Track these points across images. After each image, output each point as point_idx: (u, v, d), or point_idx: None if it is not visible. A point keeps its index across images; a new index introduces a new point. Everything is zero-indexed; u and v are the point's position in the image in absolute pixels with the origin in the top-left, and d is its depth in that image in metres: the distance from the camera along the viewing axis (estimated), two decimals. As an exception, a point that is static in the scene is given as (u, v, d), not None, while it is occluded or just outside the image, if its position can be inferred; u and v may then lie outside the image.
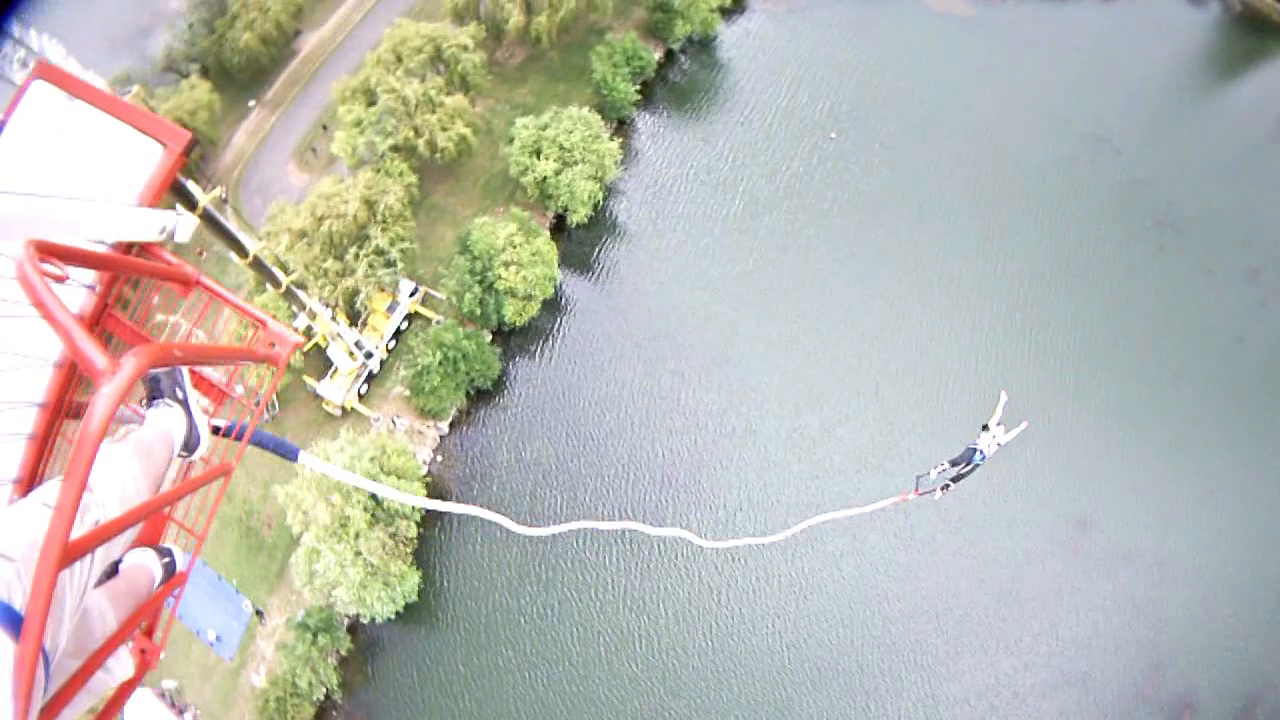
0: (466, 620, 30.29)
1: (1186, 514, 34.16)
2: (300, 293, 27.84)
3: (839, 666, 29.88)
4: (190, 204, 19.48)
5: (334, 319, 31.54)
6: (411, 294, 33.06)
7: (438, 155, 33.68)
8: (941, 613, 30.98)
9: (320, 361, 32.32)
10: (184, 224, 4.39)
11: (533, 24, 36.88)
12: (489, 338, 32.35)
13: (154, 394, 4.09)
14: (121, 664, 3.32)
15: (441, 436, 32.08)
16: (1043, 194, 38.41)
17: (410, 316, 33.26)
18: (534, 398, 32.70)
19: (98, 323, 4.37)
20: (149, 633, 4.28)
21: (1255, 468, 35.10)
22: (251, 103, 39.13)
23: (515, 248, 30.75)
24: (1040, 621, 31.65)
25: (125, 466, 3.21)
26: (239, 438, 4.39)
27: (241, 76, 38.90)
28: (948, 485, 15.41)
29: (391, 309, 32.89)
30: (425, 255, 33.32)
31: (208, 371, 4.57)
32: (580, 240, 34.77)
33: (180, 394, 4.13)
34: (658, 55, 39.60)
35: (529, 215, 32.53)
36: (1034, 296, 35.85)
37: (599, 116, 34.45)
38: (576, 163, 32.16)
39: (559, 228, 34.39)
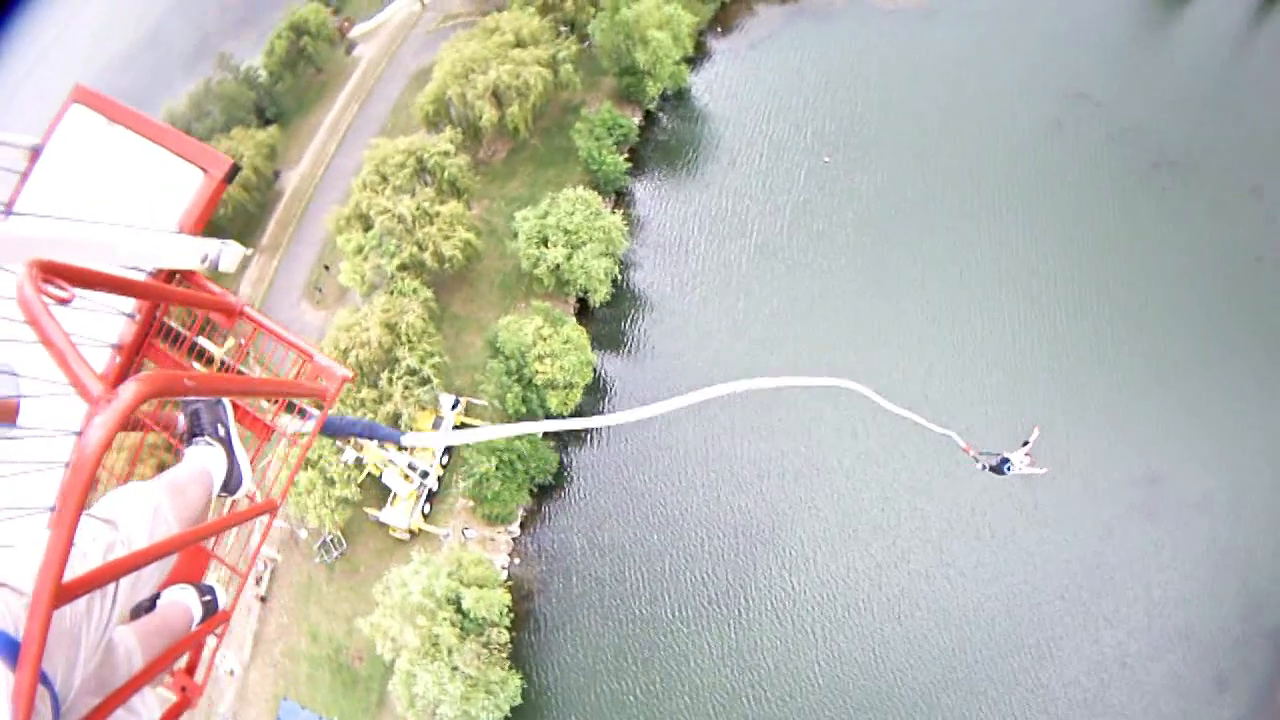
0: (575, 712, 31.06)
1: (1248, 448, 34.81)
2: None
3: (949, 679, 30.51)
4: (208, 360, 20.20)
5: (381, 446, 32.42)
6: (453, 407, 33.85)
7: (446, 265, 34.51)
8: (1037, 603, 31.64)
9: (378, 490, 33.14)
10: (229, 252, 4.33)
11: (507, 116, 37.74)
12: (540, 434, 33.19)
13: (195, 431, 4.03)
14: (148, 706, 3.26)
15: (514, 539, 32.74)
16: (1038, 163, 39.38)
17: (457, 428, 33.89)
18: (597, 482, 33.41)
19: (137, 352, 4.33)
20: (190, 670, 4.25)
21: None
22: (249, 252, 39.65)
23: (545, 340, 31.53)
24: (1132, 588, 32.26)
25: (154, 504, 3.18)
26: (334, 434, 4.36)
27: (232, 228, 39.54)
28: (984, 468, 18.18)
29: (437, 425, 33.44)
30: (458, 366, 34.19)
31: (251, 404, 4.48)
32: (607, 319, 35.59)
33: (222, 431, 4.08)
34: (637, 119, 40.54)
35: (551, 305, 33.43)
36: (1055, 269, 36.71)
37: (595, 193, 35.37)
38: (584, 243, 33.03)
39: (584, 311, 35.26)
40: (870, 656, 30.80)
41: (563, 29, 41.28)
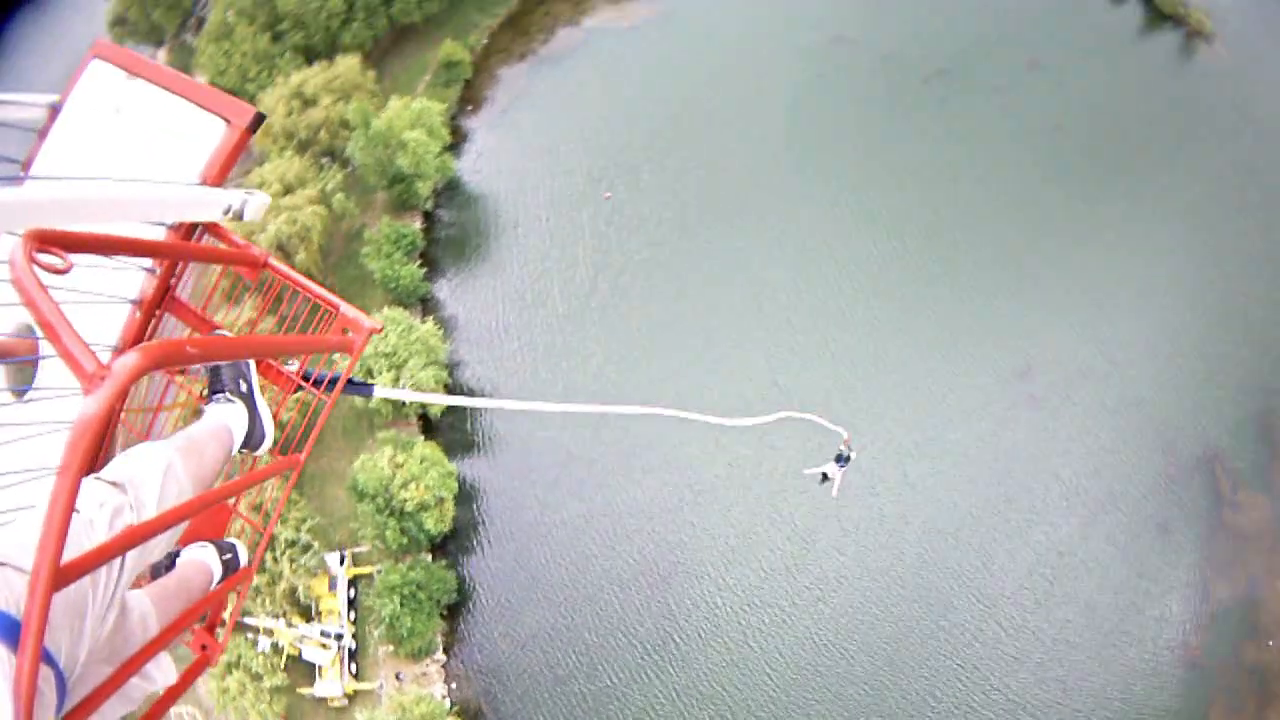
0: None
1: (1103, 305, 36.16)
2: (248, 620, 29.14)
3: (901, 640, 30.81)
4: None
5: (290, 624, 32.86)
6: (340, 562, 33.90)
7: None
8: (955, 532, 32.19)
9: (304, 667, 33.44)
10: (254, 202, 4.23)
11: (297, 265, 37.85)
12: (429, 558, 33.35)
13: (215, 387, 3.97)
14: (163, 670, 3.21)
15: (443, 665, 32.82)
16: (819, 115, 40.76)
17: (352, 582, 34.11)
18: (502, 579, 33.59)
19: (158, 307, 4.28)
20: (210, 628, 4.23)
21: (1141, 228, 37.96)
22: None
23: (401, 467, 31.95)
24: (1041, 478, 33.12)
25: (166, 464, 3.10)
26: (329, 387, 4.24)
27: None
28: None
29: (333, 585, 33.65)
30: (332, 521, 34.32)
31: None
32: (453, 425, 35.85)
33: (244, 387, 4.02)
34: (418, 224, 41.02)
35: (395, 432, 34.02)
36: (867, 210, 37.91)
37: (401, 309, 36.11)
38: (406, 360, 33.61)
39: (428, 426, 35.59)
40: (815, 640, 31.01)
41: (324, 161, 41.66)
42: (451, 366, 35.65)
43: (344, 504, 34.12)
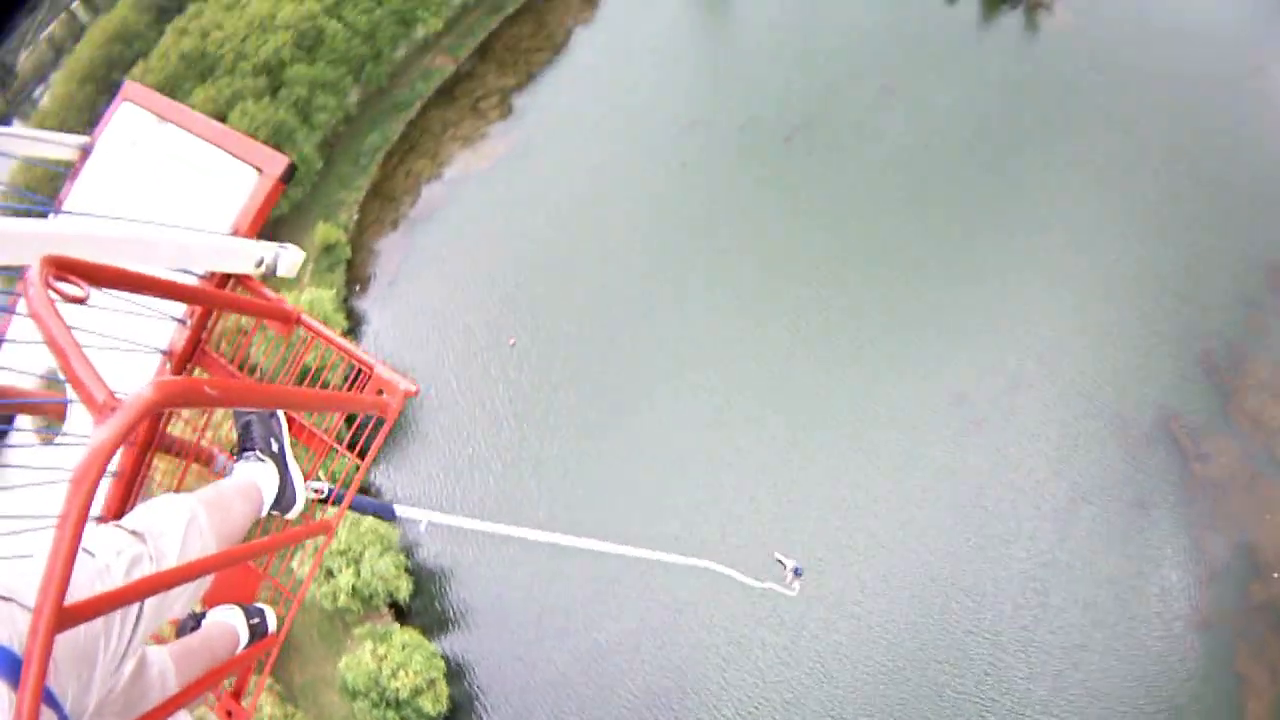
0: None
1: (1016, 316, 37.01)
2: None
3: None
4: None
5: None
6: (351, 768, 33.88)
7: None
8: (937, 573, 32.25)
9: None
10: (287, 257, 4.22)
11: None
12: (433, 745, 33.22)
13: (245, 445, 3.91)
14: None
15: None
16: (693, 205, 41.58)
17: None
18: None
19: (189, 360, 4.23)
20: (237, 694, 4.17)
21: (1036, 217, 39.33)
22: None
23: (385, 657, 32.13)
24: (1005, 497, 33.40)
25: (190, 517, 3.03)
26: (338, 503, 4.16)
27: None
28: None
29: (348, 796, 33.61)
30: (335, 733, 34.64)
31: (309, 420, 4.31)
32: (424, 608, 35.90)
33: (275, 446, 3.94)
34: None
35: (371, 625, 34.20)
36: (770, 279, 38.59)
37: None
38: (362, 553, 34.08)
39: (402, 613, 35.76)
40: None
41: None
42: (407, 549, 35.86)
43: (340, 707, 33.97)
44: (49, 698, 2.03)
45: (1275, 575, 32.46)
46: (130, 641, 2.55)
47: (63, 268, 1.92)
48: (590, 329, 39.15)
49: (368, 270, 47.06)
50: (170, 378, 2.28)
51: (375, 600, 34.59)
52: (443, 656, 33.46)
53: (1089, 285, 37.43)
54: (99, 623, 2.32)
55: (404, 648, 32.35)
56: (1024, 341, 35.88)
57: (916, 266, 37.78)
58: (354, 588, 33.79)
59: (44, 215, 4.40)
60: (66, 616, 1.71)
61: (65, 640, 1.98)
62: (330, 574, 33.83)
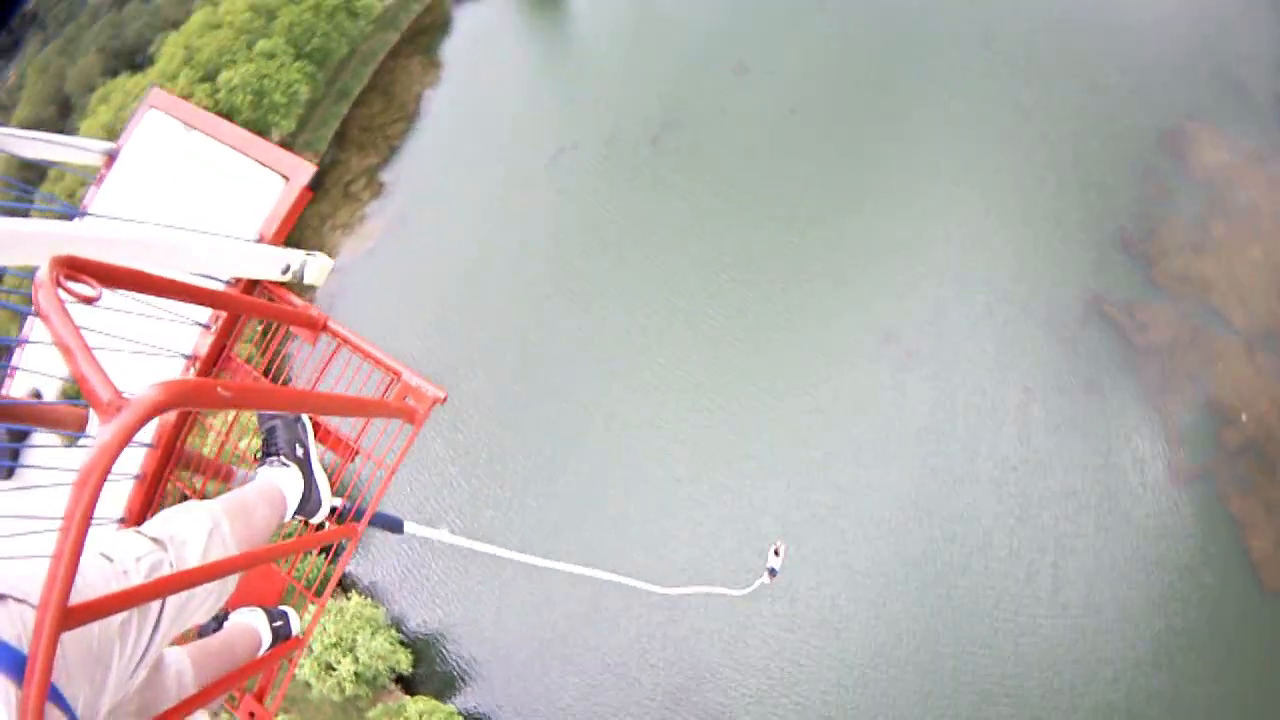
0: None
1: (926, 238, 37.95)
2: None
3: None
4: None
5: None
6: None
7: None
8: (911, 506, 32.44)
9: None
10: (314, 264, 4.22)
11: None
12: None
13: (269, 450, 3.89)
14: None
15: None
16: (579, 227, 42.43)
17: None
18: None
19: (214, 366, 4.26)
20: (260, 696, 4.15)
21: (924, 149, 40.48)
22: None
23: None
24: (962, 421, 33.72)
25: (212, 524, 3.02)
26: (357, 517, 4.08)
27: None
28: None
29: None
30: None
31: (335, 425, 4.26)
32: (429, 674, 35.87)
33: (300, 451, 3.93)
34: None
35: (383, 705, 34.33)
36: (675, 281, 39.31)
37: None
38: (354, 639, 34.44)
39: (409, 687, 35.85)
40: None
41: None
42: (396, 623, 36.33)
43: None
44: (58, 699, 2.02)
45: (1243, 418, 32.88)
46: (148, 647, 2.54)
47: (74, 267, 1.89)
48: (515, 370, 39.36)
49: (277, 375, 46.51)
50: (180, 378, 2.29)
51: (380, 680, 34.85)
52: (460, 714, 33.59)
53: (989, 198, 38.46)
54: (114, 627, 2.33)
55: (420, 716, 32.59)
56: (938, 266, 36.69)
57: (814, 224, 38.70)
58: (356, 674, 34.17)
59: (69, 219, 4.43)
60: (72, 616, 1.70)
61: (77, 643, 2.09)
62: (330, 667, 34.18)
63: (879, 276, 37.32)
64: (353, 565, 37.23)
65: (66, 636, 1.75)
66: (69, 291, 1.84)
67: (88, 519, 1.61)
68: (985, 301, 35.81)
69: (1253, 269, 35.79)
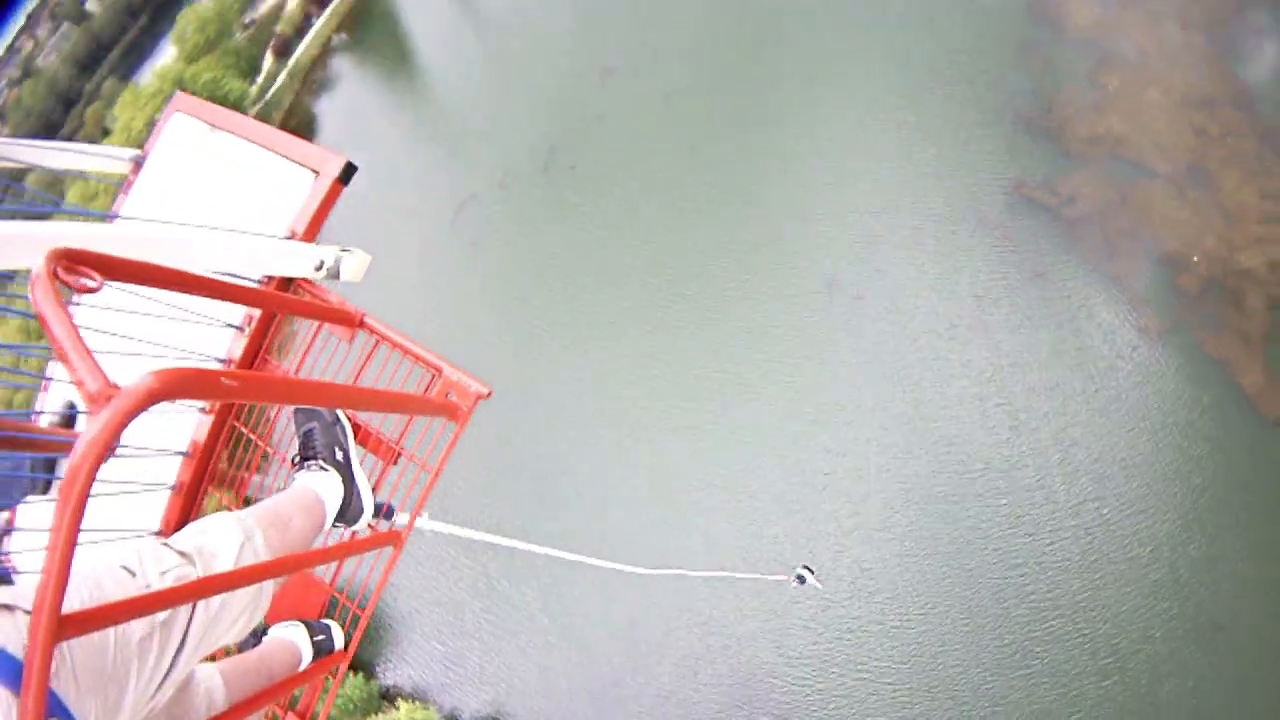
0: None
1: (845, 181, 37.79)
2: None
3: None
4: None
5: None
6: None
7: None
8: (902, 448, 32.28)
9: None
10: (350, 261, 4.15)
11: None
12: None
13: (307, 454, 3.78)
14: None
15: None
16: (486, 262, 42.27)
17: None
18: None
19: (249, 369, 4.19)
20: (303, 715, 4.08)
21: (817, 95, 40.33)
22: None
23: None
24: (925, 346, 33.64)
25: (245, 537, 2.92)
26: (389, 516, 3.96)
27: None
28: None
29: None
30: None
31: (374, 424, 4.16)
32: None
33: (340, 455, 3.81)
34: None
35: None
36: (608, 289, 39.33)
37: None
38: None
39: None
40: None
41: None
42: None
43: None
44: (63, 713, 1.98)
45: (1194, 259, 32.86)
46: (172, 667, 2.47)
47: (74, 259, 1.83)
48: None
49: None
50: (177, 367, 2.06)
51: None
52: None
53: (885, 122, 38.55)
54: (133, 644, 2.28)
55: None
56: (857, 203, 36.69)
57: (724, 202, 38.65)
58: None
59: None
60: (69, 623, 1.64)
61: (89, 657, 2.06)
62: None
63: (802, 231, 37.12)
64: (390, 672, 36.93)
65: (76, 650, 1.85)
66: (67, 284, 1.80)
67: (77, 519, 1.55)
68: (912, 224, 35.67)
69: (1156, 110, 35.81)
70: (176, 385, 1.68)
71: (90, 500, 3.16)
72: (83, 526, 2.72)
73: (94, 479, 1.53)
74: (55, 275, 1.78)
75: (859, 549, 31.21)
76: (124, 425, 1.54)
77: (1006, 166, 35.92)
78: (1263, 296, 31.73)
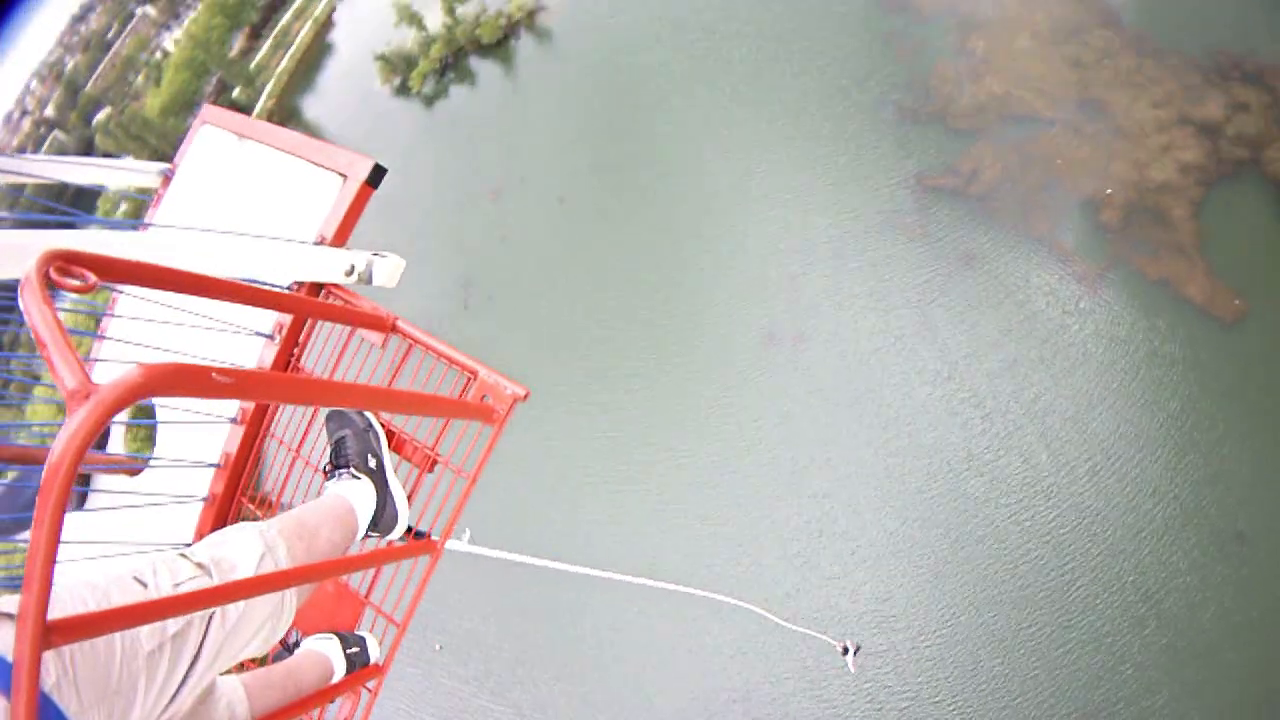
0: None
1: (750, 216, 38.53)
2: None
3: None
4: None
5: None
6: None
7: None
8: (880, 467, 32.20)
9: None
10: (383, 265, 4.10)
11: None
12: None
13: (339, 462, 3.71)
14: None
15: None
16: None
17: None
18: None
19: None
20: None
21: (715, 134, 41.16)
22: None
23: None
24: (864, 370, 33.76)
25: (267, 548, 2.85)
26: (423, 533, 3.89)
27: None
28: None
29: None
30: None
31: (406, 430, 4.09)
32: None
33: (373, 462, 3.74)
34: None
35: None
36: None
37: None
38: None
39: None
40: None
41: None
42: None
43: None
44: (59, 718, 1.95)
45: (1109, 192, 32.99)
46: (184, 682, 2.43)
47: (69, 260, 1.80)
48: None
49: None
50: (164, 363, 1.99)
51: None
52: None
53: (778, 162, 39.24)
54: (141, 658, 2.25)
55: None
56: (771, 251, 37.19)
57: (636, 286, 39.49)
58: None
59: None
60: (55, 631, 1.59)
61: (92, 669, 2.04)
62: None
63: (727, 293, 37.62)
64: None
65: (79, 663, 1.81)
66: (56, 284, 1.75)
67: (58, 519, 1.48)
68: (830, 250, 36.08)
69: (1029, 57, 36.34)
70: (160, 381, 1.63)
71: (123, 511, 3.41)
72: (113, 539, 3.02)
73: (74, 477, 1.48)
74: (47, 276, 1.75)
75: (871, 584, 31.15)
76: (104, 422, 1.51)
77: (903, 163, 36.42)
78: (1185, 203, 31.86)
